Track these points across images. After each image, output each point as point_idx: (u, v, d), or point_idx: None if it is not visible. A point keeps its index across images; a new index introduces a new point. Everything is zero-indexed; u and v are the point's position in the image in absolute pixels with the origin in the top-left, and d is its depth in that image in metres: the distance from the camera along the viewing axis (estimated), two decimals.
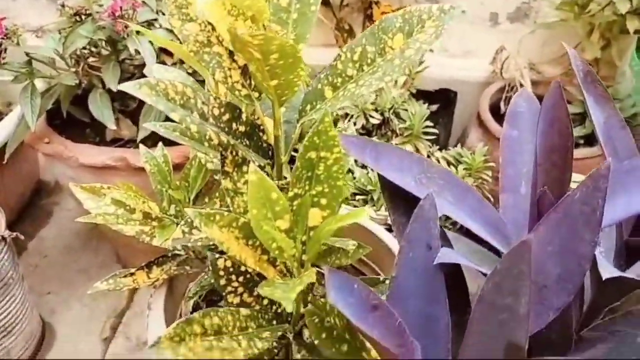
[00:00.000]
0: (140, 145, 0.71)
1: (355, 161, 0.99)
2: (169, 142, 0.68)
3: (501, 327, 0.40)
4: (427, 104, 1.06)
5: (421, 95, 1.12)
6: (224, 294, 0.57)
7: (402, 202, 0.56)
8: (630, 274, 0.58)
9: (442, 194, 0.55)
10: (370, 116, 0.95)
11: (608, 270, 0.46)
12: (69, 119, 1.06)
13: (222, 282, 0.57)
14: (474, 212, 0.56)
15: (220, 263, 0.57)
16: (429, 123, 1.00)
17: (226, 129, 0.51)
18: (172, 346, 0.46)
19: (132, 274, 0.71)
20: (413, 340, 0.46)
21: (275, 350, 0.61)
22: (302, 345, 0.59)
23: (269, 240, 0.46)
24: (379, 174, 0.56)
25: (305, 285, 0.43)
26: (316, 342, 0.49)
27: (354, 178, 0.92)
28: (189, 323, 0.48)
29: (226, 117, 0.52)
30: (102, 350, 1.05)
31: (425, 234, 0.50)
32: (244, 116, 0.53)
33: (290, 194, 0.46)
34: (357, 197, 0.92)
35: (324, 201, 0.47)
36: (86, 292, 1.16)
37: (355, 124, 0.97)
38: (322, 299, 0.49)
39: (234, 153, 0.53)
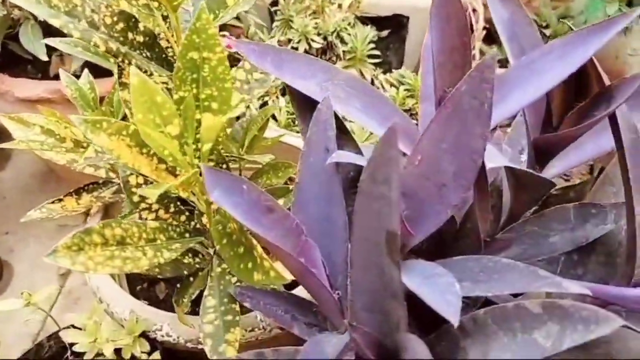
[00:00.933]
0: (61, 70, 0.70)
1: None
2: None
3: (378, 216, 0.40)
4: (376, 29, 1.04)
5: (372, 21, 1.10)
6: (138, 211, 0.57)
7: (309, 111, 0.56)
8: (544, 174, 0.58)
9: (350, 100, 0.55)
10: (312, 40, 0.93)
11: (494, 160, 0.46)
12: (11, 56, 1.05)
13: (135, 199, 0.57)
14: (385, 120, 0.56)
15: (132, 179, 0.57)
16: (373, 46, 0.98)
17: (121, 39, 0.50)
18: (69, 255, 0.46)
19: (60, 200, 0.71)
20: (308, 240, 0.46)
21: (197, 266, 0.61)
22: (222, 260, 0.60)
23: (160, 147, 0.46)
24: (286, 84, 0.55)
25: (188, 179, 0.42)
26: (217, 247, 0.49)
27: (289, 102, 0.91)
28: (87, 233, 0.48)
29: (120, 26, 0.50)
30: (59, 285, 1.06)
31: (323, 137, 0.50)
32: (140, 25, 0.52)
33: (176, 97, 0.46)
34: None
35: (214, 105, 0.46)
36: (43, 232, 1.18)
37: (297, 49, 0.95)
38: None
39: (131, 64, 0.52)
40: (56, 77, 1.07)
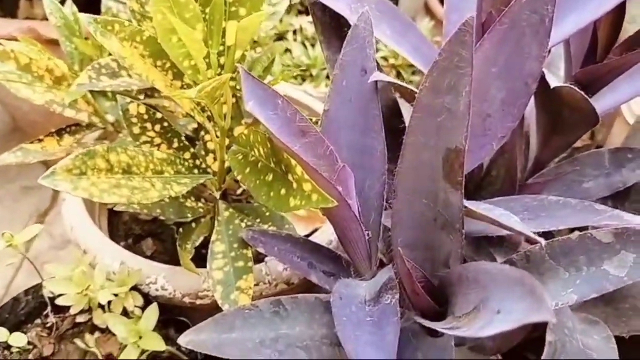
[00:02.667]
0: None
1: (294, 39, 0.93)
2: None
3: (438, 132, 0.36)
4: None
5: None
6: (139, 144, 0.51)
7: (335, 37, 0.51)
8: None
9: (380, 26, 0.50)
10: None
11: (555, 77, 0.43)
12: None
13: (136, 130, 0.51)
14: (415, 50, 0.51)
15: (133, 108, 0.51)
16: None
17: None
18: (70, 178, 0.40)
19: (40, 141, 0.63)
20: (345, 166, 0.41)
21: (201, 210, 0.56)
22: (230, 203, 0.54)
23: (180, 56, 0.40)
24: (311, 4, 0.50)
25: (214, 88, 0.37)
26: (239, 177, 0.44)
27: (293, 57, 0.86)
28: (90, 156, 0.42)
29: None
30: (25, 249, 0.98)
31: (360, 57, 0.45)
32: None
33: None
34: (297, 75, 0.86)
35: (242, 11, 0.41)
36: (7, 194, 1.09)
37: None
38: (245, 133, 0.43)
39: None
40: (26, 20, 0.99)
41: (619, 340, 0.55)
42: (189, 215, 0.53)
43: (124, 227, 0.72)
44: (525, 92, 0.43)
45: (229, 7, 0.41)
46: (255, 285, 0.59)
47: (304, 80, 0.87)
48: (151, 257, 0.70)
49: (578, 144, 0.90)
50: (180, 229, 0.54)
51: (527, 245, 0.47)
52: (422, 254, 0.42)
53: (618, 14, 0.47)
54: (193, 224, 0.55)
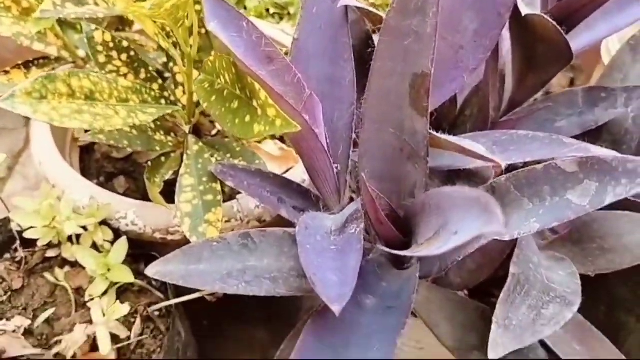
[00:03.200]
0: None
1: None
2: None
3: (405, 57, 0.35)
4: None
5: None
6: (105, 73, 0.50)
7: None
8: None
9: None
10: None
11: (529, 8, 0.42)
12: None
13: (102, 59, 0.50)
14: None
15: (98, 36, 0.49)
16: None
17: None
18: (29, 102, 0.39)
19: (6, 73, 0.62)
20: (312, 94, 0.41)
21: (171, 144, 0.55)
22: (199, 137, 0.54)
23: None
24: None
25: (182, 2, 0.36)
26: (205, 105, 0.43)
27: None
28: (51, 80, 0.40)
29: None
30: None
31: None
32: None
33: None
34: (274, 13, 0.84)
35: None
36: None
37: None
38: (211, 60, 0.42)
39: None
40: None
41: (584, 278, 0.56)
42: (157, 148, 0.52)
43: (96, 166, 0.71)
44: (498, 22, 0.42)
45: None
46: (226, 222, 0.59)
47: (282, 19, 0.85)
48: (123, 195, 0.70)
49: (557, 91, 0.90)
50: (149, 163, 0.53)
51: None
52: (390, 185, 0.41)
53: None
54: (163, 158, 0.55)
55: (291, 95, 0.40)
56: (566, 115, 0.53)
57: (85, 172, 0.70)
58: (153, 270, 0.44)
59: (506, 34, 0.53)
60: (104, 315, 0.48)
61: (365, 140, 0.40)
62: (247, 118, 0.39)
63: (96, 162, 0.71)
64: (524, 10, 0.42)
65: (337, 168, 0.46)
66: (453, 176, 0.47)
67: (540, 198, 0.38)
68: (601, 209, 0.36)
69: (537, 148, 0.42)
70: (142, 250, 0.59)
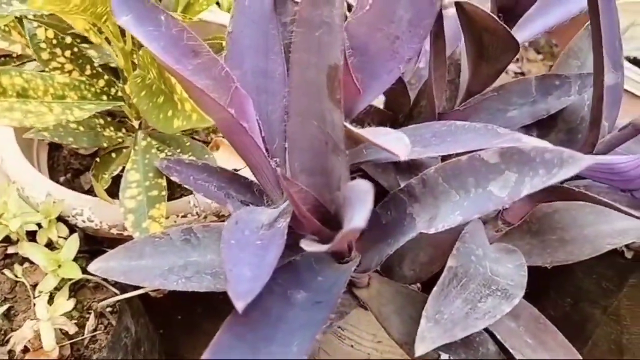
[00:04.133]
0: None
1: None
2: None
3: (319, 48, 0.34)
4: None
5: None
6: (47, 70, 0.50)
7: None
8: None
9: None
10: None
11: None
12: None
13: (45, 56, 0.50)
14: None
15: (40, 33, 0.49)
16: None
17: None
18: None
19: None
20: (239, 88, 0.40)
21: (120, 140, 0.55)
22: (149, 133, 0.53)
23: None
24: None
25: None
26: (135, 101, 0.42)
27: None
28: None
29: None
30: None
31: None
32: None
33: None
34: None
35: None
36: None
37: None
38: (141, 55, 0.42)
39: None
40: None
41: (550, 271, 0.55)
42: (105, 144, 0.52)
43: (63, 162, 0.71)
44: (430, 11, 0.41)
45: None
46: (183, 217, 0.59)
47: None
48: (89, 191, 0.70)
49: (532, 72, 0.88)
50: (97, 159, 0.53)
51: None
52: (320, 178, 0.41)
53: None
54: (114, 154, 0.55)
55: (219, 89, 0.40)
56: (519, 105, 0.51)
57: (52, 169, 0.71)
58: (95, 266, 0.44)
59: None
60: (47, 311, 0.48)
61: (292, 134, 0.40)
62: (170, 113, 0.39)
63: (64, 158, 0.71)
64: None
65: (276, 162, 0.45)
66: (391, 168, 0.47)
67: (465, 190, 0.37)
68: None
69: (472, 138, 0.41)
70: (100, 247, 0.59)
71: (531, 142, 0.38)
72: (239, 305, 0.31)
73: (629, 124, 0.44)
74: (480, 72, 0.53)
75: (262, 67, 0.44)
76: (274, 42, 0.42)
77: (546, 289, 0.66)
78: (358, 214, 0.28)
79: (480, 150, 0.38)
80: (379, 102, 0.59)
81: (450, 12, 0.70)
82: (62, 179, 0.70)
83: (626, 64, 0.71)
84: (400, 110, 0.56)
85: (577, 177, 0.36)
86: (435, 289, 0.41)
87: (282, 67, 0.42)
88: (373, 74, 0.44)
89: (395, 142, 0.32)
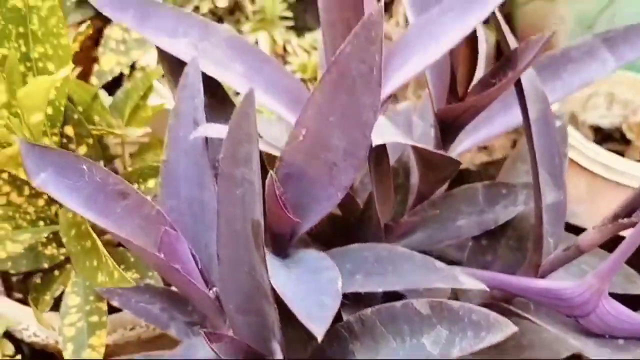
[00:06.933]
0: None
1: None
2: None
3: (243, 204, 0.34)
4: None
5: None
6: None
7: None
8: (453, 149, 0.53)
9: (230, 64, 0.47)
10: None
11: (384, 136, 0.40)
12: None
13: None
14: (272, 84, 0.48)
15: None
16: (286, 6, 0.89)
17: None
18: None
19: None
20: (168, 230, 0.39)
21: (62, 257, 0.53)
22: None
23: None
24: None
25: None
26: (64, 240, 0.41)
27: None
28: None
29: None
30: None
31: (191, 106, 0.42)
32: None
33: None
34: None
35: (51, 66, 0.38)
36: None
37: (198, 8, 0.86)
38: None
39: None
40: None
41: None
42: (45, 265, 0.51)
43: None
44: (364, 142, 0.40)
45: (35, 62, 0.38)
46: (131, 329, 0.57)
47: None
48: None
49: (498, 155, 0.88)
50: (36, 280, 0.52)
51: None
52: (256, 318, 0.40)
53: (471, 48, 0.44)
54: (56, 272, 0.53)
55: (148, 231, 0.39)
56: (467, 214, 0.51)
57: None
58: None
59: None
60: None
61: (223, 279, 0.39)
62: (95, 262, 0.37)
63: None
64: (375, 140, 0.40)
65: (216, 291, 0.44)
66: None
67: (401, 338, 0.36)
68: None
69: (410, 271, 0.40)
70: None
71: (467, 282, 0.37)
72: None
73: (573, 244, 0.43)
74: (428, 179, 0.52)
75: (197, 197, 0.43)
76: (206, 176, 0.41)
77: None
78: None
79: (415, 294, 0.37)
80: None
81: (400, 107, 0.70)
82: (15, 279, 0.68)
83: (584, 141, 0.71)
84: (351, 214, 0.55)
85: None
86: None
87: (214, 202, 0.41)
88: (313, 200, 0.44)
89: (318, 309, 0.31)
